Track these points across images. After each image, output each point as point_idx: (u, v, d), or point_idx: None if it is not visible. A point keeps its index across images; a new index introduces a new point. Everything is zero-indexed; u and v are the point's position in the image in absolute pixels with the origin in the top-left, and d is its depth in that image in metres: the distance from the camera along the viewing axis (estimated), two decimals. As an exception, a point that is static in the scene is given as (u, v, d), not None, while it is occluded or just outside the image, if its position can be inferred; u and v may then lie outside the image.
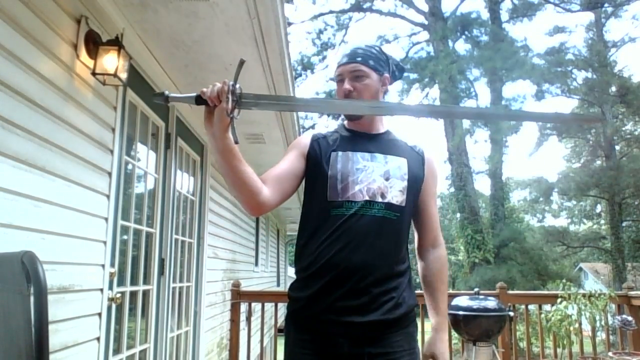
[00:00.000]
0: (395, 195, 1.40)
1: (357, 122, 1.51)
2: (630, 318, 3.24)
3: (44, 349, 0.92)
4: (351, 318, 1.30)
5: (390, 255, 1.38)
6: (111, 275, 2.33)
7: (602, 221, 22.02)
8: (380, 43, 21.07)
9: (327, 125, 19.95)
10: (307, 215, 1.45)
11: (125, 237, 2.63)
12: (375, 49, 1.51)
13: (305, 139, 1.51)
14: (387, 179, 1.41)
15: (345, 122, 1.56)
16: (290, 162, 1.46)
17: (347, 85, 1.43)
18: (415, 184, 1.46)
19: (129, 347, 2.66)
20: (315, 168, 1.43)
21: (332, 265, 1.32)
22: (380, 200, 1.37)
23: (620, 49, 19.84)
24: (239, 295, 3.84)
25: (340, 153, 1.44)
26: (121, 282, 2.52)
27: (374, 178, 1.39)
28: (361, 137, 1.49)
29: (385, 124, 1.56)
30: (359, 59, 1.46)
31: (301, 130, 4.86)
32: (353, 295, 1.31)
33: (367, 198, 1.37)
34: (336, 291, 1.31)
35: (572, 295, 3.27)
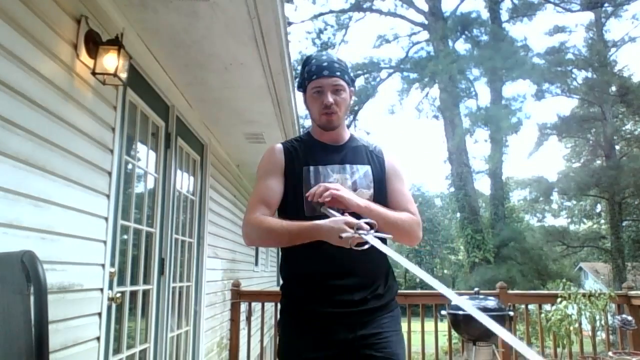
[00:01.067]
0: None
1: (327, 133, 1.58)
2: (630, 318, 3.25)
3: (44, 348, 0.92)
4: (342, 297, 1.42)
5: (367, 260, 1.42)
6: (111, 275, 2.33)
7: (602, 221, 22.02)
8: (380, 43, 21.09)
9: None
10: None
11: (125, 237, 2.63)
12: (344, 63, 1.58)
13: (279, 156, 1.58)
14: (355, 190, 1.50)
15: (312, 131, 1.64)
16: (278, 188, 1.54)
17: (330, 99, 1.51)
18: (380, 187, 1.55)
19: (129, 347, 2.66)
20: (292, 184, 1.53)
21: (315, 275, 1.44)
22: (351, 211, 1.44)
23: (620, 49, 19.84)
24: (239, 295, 3.84)
25: (312, 168, 1.53)
26: (121, 282, 2.52)
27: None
28: (329, 149, 1.58)
29: (348, 131, 1.66)
30: (338, 73, 1.53)
31: (301, 130, 4.85)
32: (336, 290, 1.42)
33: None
34: (319, 286, 1.44)
35: (572, 295, 3.27)
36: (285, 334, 1.52)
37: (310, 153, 1.57)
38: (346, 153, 1.58)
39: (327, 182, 1.48)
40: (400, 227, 1.47)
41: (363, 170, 1.54)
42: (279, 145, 1.61)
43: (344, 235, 1.27)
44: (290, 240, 1.43)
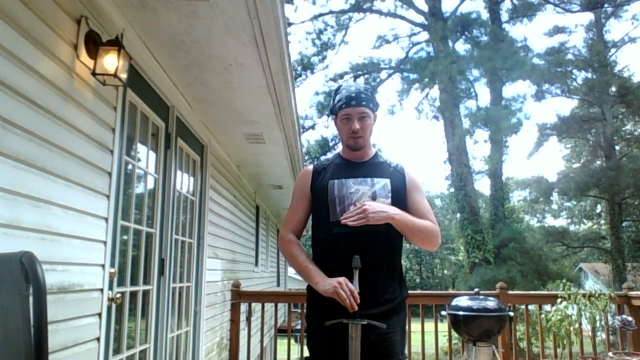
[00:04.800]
0: None
1: (353, 152, 1.86)
2: (630, 318, 3.24)
3: (44, 349, 0.92)
4: (360, 310, 1.63)
5: (384, 258, 1.76)
6: (111, 275, 2.33)
7: (602, 221, 22.00)
8: (380, 44, 21.08)
9: (326, 125, 19.97)
10: (316, 234, 1.85)
11: (125, 237, 2.63)
12: (370, 91, 1.84)
13: (307, 179, 1.90)
14: (374, 199, 1.76)
15: (341, 151, 1.93)
16: (304, 208, 1.90)
17: (357, 125, 1.78)
18: (399, 197, 1.80)
19: (129, 347, 2.65)
20: (319, 195, 1.83)
21: (340, 272, 1.66)
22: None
23: (620, 49, 19.82)
24: (239, 296, 3.84)
25: (336, 181, 1.82)
26: (121, 282, 2.52)
27: (364, 200, 1.75)
28: (353, 165, 1.87)
29: (373, 149, 1.93)
30: (364, 102, 1.79)
31: (301, 130, 4.85)
32: (359, 293, 1.63)
33: None
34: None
35: (572, 296, 3.27)
36: (310, 326, 1.84)
37: (337, 169, 1.86)
38: (368, 168, 1.85)
39: (349, 193, 1.76)
40: (425, 234, 1.77)
41: (382, 183, 1.80)
42: (310, 168, 1.93)
43: (345, 321, 1.65)
44: (299, 272, 1.80)
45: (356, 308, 1.60)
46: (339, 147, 1.98)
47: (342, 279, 1.62)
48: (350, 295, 1.59)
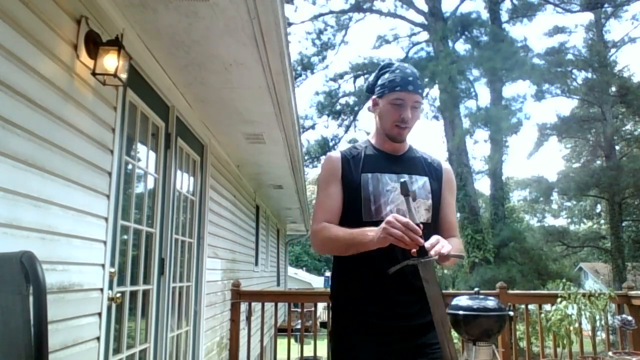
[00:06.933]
0: (422, 214, 1.53)
1: (390, 143, 1.60)
2: (630, 318, 3.24)
3: (44, 349, 0.92)
4: (399, 323, 1.49)
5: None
6: (111, 275, 2.33)
7: (602, 221, 22.00)
8: (380, 44, 21.07)
9: (326, 125, 19.93)
10: None
11: (125, 237, 2.63)
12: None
13: (336, 164, 1.60)
14: (414, 200, 1.48)
15: (374, 140, 1.65)
16: (338, 196, 1.57)
17: (409, 114, 1.53)
18: (436, 198, 1.59)
19: (129, 347, 2.66)
20: (350, 190, 1.55)
21: (376, 277, 1.46)
22: None
23: (620, 49, 19.83)
24: (239, 295, 3.85)
25: (370, 175, 1.55)
26: (121, 282, 2.52)
27: (402, 199, 1.44)
28: (387, 158, 1.61)
29: (407, 142, 1.66)
30: (420, 90, 1.55)
31: (301, 130, 4.85)
32: (397, 305, 1.49)
33: None
34: (381, 301, 1.49)
35: (572, 295, 3.27)
36: (343, 344, 1.56)
37: (369, 161, 1.59)
38: (405, 163, 1.61)
39: (385, 190, 1.52)
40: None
41: (422, 181, 1.58)
42: (337, 154, 1.63)
43: (392, 269, 1.34)
44: (346, 248, 1.48)
45: (421, 242, 1.29)
46: (372, 133, 1.70)
47: (391, 217, 1.32)
48: (407, 230, 1.28)
